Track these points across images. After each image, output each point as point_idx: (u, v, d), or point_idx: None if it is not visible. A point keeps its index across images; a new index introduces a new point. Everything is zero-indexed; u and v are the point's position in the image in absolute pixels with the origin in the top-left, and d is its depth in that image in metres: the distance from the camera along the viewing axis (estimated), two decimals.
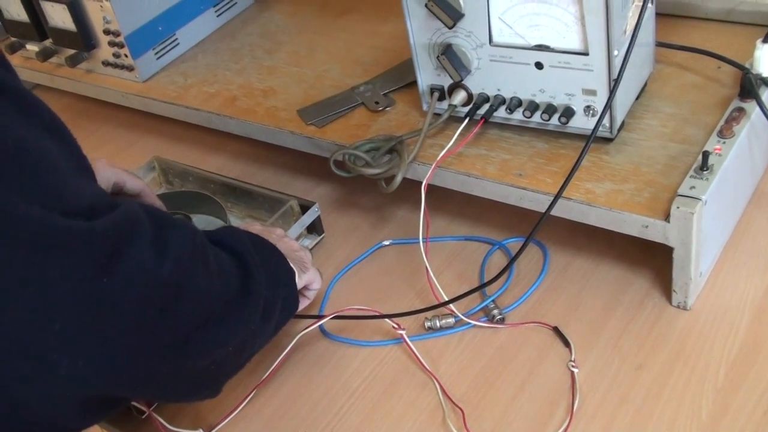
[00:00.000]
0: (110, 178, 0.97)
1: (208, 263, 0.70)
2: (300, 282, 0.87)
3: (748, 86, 0.89)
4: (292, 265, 0.85)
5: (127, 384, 0.66)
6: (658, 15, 1.09)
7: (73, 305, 0.59)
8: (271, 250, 0.83)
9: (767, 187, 0.99)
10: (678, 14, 1.10)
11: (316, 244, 1.06)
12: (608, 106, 0.86)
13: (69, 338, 0.59)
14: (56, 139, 0.64)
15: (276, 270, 0.83)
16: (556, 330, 0.89)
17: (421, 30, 0.96)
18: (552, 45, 0.90)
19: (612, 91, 0.86)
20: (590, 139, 0.85)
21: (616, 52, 0.86)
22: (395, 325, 0.90)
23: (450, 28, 0.92)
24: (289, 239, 0.93)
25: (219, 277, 0.71)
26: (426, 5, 0.91)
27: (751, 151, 0.92)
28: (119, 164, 1.12)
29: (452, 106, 0.98)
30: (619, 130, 0.94)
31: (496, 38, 0.92)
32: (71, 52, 1.29)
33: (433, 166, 0.94)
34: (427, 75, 0.99)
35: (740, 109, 0.90)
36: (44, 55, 1.31)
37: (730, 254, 0.93)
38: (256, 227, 0.91)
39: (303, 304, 0.93)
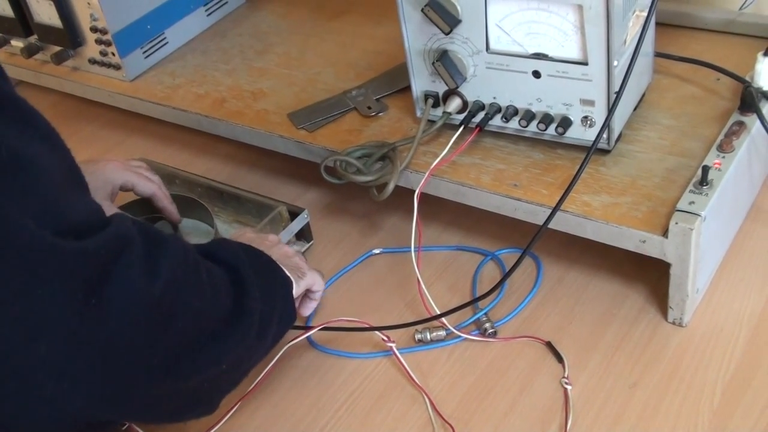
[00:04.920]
0: (116, 182, 0.94)
1: (201, 281, 0.68)
2: (298, 289, 0.84)
3: (748, 100, 0.88)
4: (288, 273, 0.83)
5: (116, 406, 0.64)
6: (657, 24, 1.07)
7: (59, 327, 0.57)
8: (266, 261, 0.80)
9: (765, 202, 0.97)
10: (677, 24, 1.09)
11: (305, 251, 1.04)
12: (609, 118, 0.85)
13: (54, 360, 0.57)
14: (51, 150, 0.62)
15: (272, 282, 0.80)
16: (549, 345, 0.87)
17: (416, 35, 0.94)
18: (550, 54, 0.88)
19: (613, 104, 0.84)
20: (590, 151, 0.83)
21: (615, 63, 0.84)
22: (385, 338, 0.88)
23: (447, 34, 0.90)
24: (283, 245, 0.90)
25: (212, 295, 0.69)
26: (422, 10, 0.89)
27: (750, 165, 0.90)
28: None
29: (447, 114, 0.96)
30: (617, 141, 0.92)
31: (493, 45, 0.90)
32: (57, 49, 1.26)
33: (426, 175, 0.92)
34: (421, 81, 0.97)
35: (740, 123, 0.88)
36: (29, 51, 1.28)
37: (727, 270, 0.91)
38: (248, 234, 0.89)
39: (310, 307, 0.92)
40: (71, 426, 0.63)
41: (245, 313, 0.71)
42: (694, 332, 0.85)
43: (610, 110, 0.84)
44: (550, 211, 0.85)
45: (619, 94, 0.83)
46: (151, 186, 0.98)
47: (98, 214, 0.63)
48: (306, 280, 0.87)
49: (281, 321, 0.79)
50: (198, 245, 0.75)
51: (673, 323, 0.86)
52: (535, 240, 0.83)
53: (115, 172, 0.95)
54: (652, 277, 0.91)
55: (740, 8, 1.05)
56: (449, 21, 0.89)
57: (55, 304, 0.56)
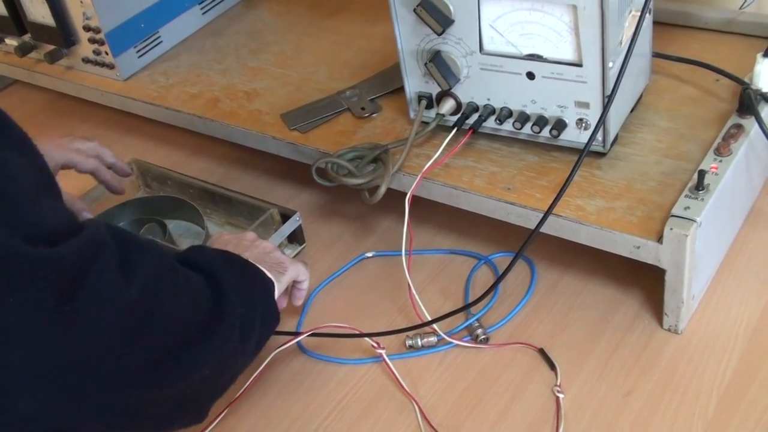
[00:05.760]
0: (57, 161, 0.93)
1: (178, 286, 0.67)
2: (281, 286, 0.83)
3: (747, 102, 0.86)
4: (269, 274, 0.81)
5: (97, 416, 0.63)
6: (656, 24, 1.05)
7: (31, 336, 0.56)
8: (243, 264, 0.79)
9: (764, 206, 0.95)
10: (676, 23, 1.07)
11: (297, 254, 1.03)
12: (602, 120, 0.83)
13: (26, 370, 0.56)
14: (23, 155, 0.61)
15: (251, 285, 0.79)
16: (541, 352, 0.85)
17: (409, 35, 0.92)
18: (544, 55, 0.86)
19: (606, 106, 0.82)
20: (582, 155, 0.81)
21: (611, 64, 0.83)
22: (374, 344, 0.86)
23: (439, 34, 0.88)
24: (261, 242, 0.88)
25: (190, 300, 0.68)
26: (414, 10, 0.87)
27: (749, 169, 0.89)
28: None
29: (440, 115, 0.94)
30: (612, 144, 0.90)
31: (486, 46, 0.89)
32: (51, 48, 1.25)
33: (418, 178, 0.91)
34: (414, 82, 0.96)
35: (738, 126, 0.86)
36: (23, 50, 1.27)
37: (724, 275, 0.89)
38: (224, 236, 0.87)
39: (300, 297, 0.90)
40: None
41: (225, 318, 0.70)
42: (690, 340, 0.84)
43: (603, 113, 0.82)
44: (543, 215, 0.84)
45: (611, 96, 0.81)
46: (91, 162, 0.98)
47: (71, 220, 0.62)
48: (288, 274, 0.85)
49: (264, 323, 0.77)
50: (177, 255, 0.73)
51: (669, 330, 0.85)
52: (526, 245, 0.82)
53: (55, 151, 0.94)
54: (647, 282, 0.89)
55: (740, 7, 1.03)
56: (442, 21, 0.87)
57: (27, 313, 0.55)
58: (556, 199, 0.81)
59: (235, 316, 0.71)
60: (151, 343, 0.63)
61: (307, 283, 0.89)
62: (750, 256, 0.90)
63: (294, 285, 0.89)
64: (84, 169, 0.99)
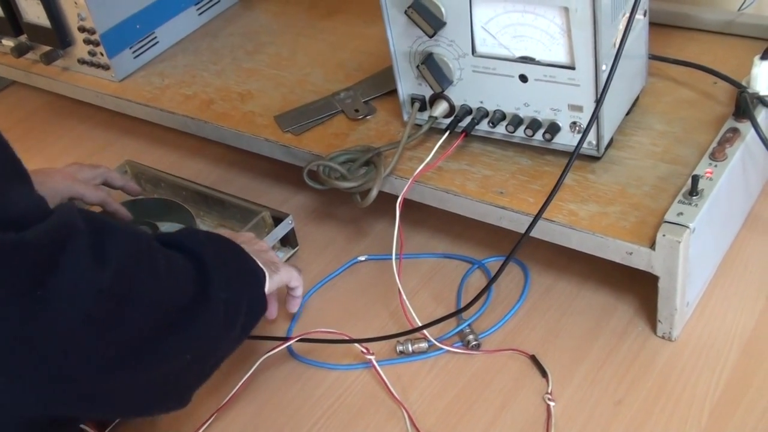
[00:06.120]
0: (64, 193, 0.93)
1: (157, 269, 0.66)
2: (272, 283, 0.82)
3: (743, 105, 0.85)
4: (261, 265, 0.80)
5: (74, 401, 0.62)
6: (654, 25, 1.04)
7: (3, 321, 0.55)
8: (234, 249, 0.78)
9: (762, 210, 0.94)
10: (675, 25, 1.06)
11: (290, 257, 1.02)
12: (591, 124, 0.82)
13: None
14: None
15: (239, 270, 0.78)
16: (533, 359, 0.84)
17: (401, 37, 0.91)
18: (537, 57, 0.85)
19: (595, 110, 0.81)
20: (571, 159, 0.80)
21: (604, 67, 0.81)
22: (364, 350, 0.85)
23: (430, 36, 0.87)
24: (258, 241, 0.87)
25: (171, 283, 0.67)
26: (405, 12, 0.86)
27: (746, 173, 0.87)
28: (100, 164, 1.09)
29: (432, 118, 0.93)
30: (607, 147, 0.89)
31: (479, 48, 0.88)
32: (46, 48, 1.24)
33: (409, 181, 0.90)
34: (407, 84, 0.95)
35: (734, 130, 0.85)
36: (19, 51, 1.27)
37: (720, 281, 0.88)
38: (222, 231, 0.86)
39: (295, 304, 0.89)
40: (30, 425, 0.61)
41: (209, 301, 0.69)
42: (684, 347, 0.82)
43: (592, 116, 0.81)
44: (532, 219, 0.83)
45: (600, 100, 0.80)
46: (99, 194, 0.98)
47: (40, 205, 0.61)
48: (281, 275, 0.84)
49: (250, 310, 0.76)
50: (161, 235, 0.72)
51: (663, 337, 0.83)
52: (515, 249, 0.81)
53: (62, 183, 0.94)
54: (642, 288, 0.88)
55: (740, 9, 1.02)
56: (433, 23, 0.86)
57: None
58: (545, 204, 0.79)
59: (219, 301, 0.70)
60: (129, 327, 0.62)
61: (300, 289, 0.88)
62: (747, 262, 0.89)
63: (288, 291, 0.88)
64: (91, 201, 0.99)
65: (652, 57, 0.96)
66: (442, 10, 0.86)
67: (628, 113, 0.93)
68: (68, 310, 0.57)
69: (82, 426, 0.81)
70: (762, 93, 0.87)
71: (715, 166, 0.82)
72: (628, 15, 0.84)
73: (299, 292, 0.89)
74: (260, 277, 0.80)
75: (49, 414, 0.62)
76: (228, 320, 0.72)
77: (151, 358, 0.64)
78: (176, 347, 0.66)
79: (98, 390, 0.63)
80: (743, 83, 0.90)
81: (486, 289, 0.84)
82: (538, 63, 0.85)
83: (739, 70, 0.94)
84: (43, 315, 0.56)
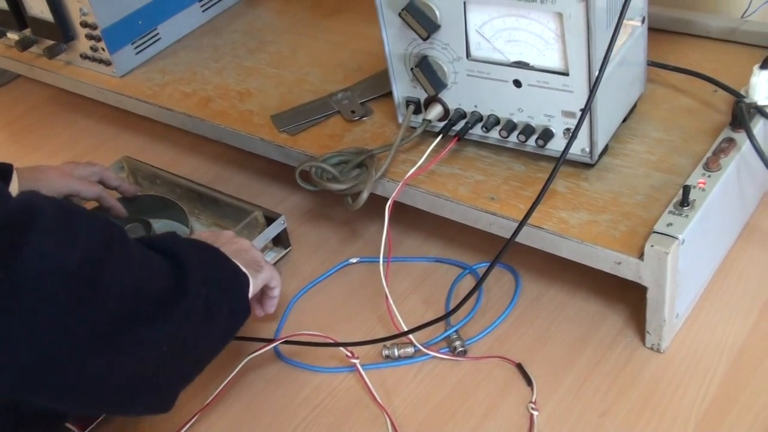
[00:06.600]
0: (61, 190, 0.93)
1: (131, 257, 0.65)
2: (256, 283, 0.81)
3: (739, 115, 0.83)
4: (244, 269, 0.80)
5: (46, 390, 0.61)
6: (657, 31, 1.03)
7: None
8: (214, 252, 0.78)
9: (759, 222, 0.92)
10: (677, 31, 1.04)
11: (282, 257, 1.01)
12: (577, 130, 0.80)
13: None
14: None
15: (221, 271, 0.77)
16: (519, 367, 0.83)
17: (396, 39, 0.90)
18: (531, 62, 0.84)
19: (581, 117, 0.80)
20: (557, 165, 0.79)
21: (598, 73, 0.80)
22: (349, 354, 0.85)
23: (424, 39, 0.86)
24: (239, 239, 0.86)
25: (146, 275, 0.66)
26: (399, 14, 0.86)
27: (741, 184, 0.86)
28: (97, 160, 1.09)
29: (426, 121, 0.93)
30: (602, 155, 0.88)
31: (473, 52, 0.87)
32: (50, 43, 1.25)
33: (400, 185, 0.89)
34: (403, 86, 0.94)
35: (730, 140, 0.84)
36: (23, 44, 1.27)
37: (713, 293, 0.87)
38: (202, 234, 0.86)
39: (273, 304, 0.88)
40: (17, 421, 0.61)
41: (187, 295, 0.68)
42: (672, 359, 0.81)
43: (578, 123, 0.80)
44: (527, 227, 0.82)
45: (587, 106, 0.79)
46: (95, 189, 0.99)
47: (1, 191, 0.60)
48: (264, 274, 0.83)
49: (233, 313, 0.76)
50: (139, 238, 0.72)
51: (651, 349, 0.82)
52: (500, 255, 0.80)
53: (58, 181, 0.95)
54: (634, 297, 0.86)
55: (743, 16, 1.00)
56: (427, 26, 0.86)
57: None
58: (530, 210, 0.79)
59: (198, 296, 0.69)
60: (100, 314, 0.61)
61: (278, 290, 0.87)
62: (740, 275, 0.87)
63: (265, 292, 0.87)
64: (88, 196, 0.99)
65: (652, 63, 0.95)
66: (437, 13, 0.85)
67: (625, 120, 0.92)
68: (34, 292, 0.57)
69: (67, 425, 0.81)
70: (760, 103, 0.85)
71: (709, 176, 0.81)
72: (625, 22, 0.83)
73: (277, 292, 0.88)
74: (242, 280, 0.79)
75: (22, 400, 0.61)
76: (208, 317, 0.71)
77: (124, 345, 0.63)
78: (152, 337, 0.65)
79: (73, 377, 0.62)
80: (742, 92, 0.88)
81: (471, 293, 0.83)
82: (532, 68, 0.84)
83: (741, 78, 0.93)
84: (7, 298, 0.56)
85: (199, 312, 0.70)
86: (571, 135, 0.79)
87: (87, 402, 0.68)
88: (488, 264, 0.94)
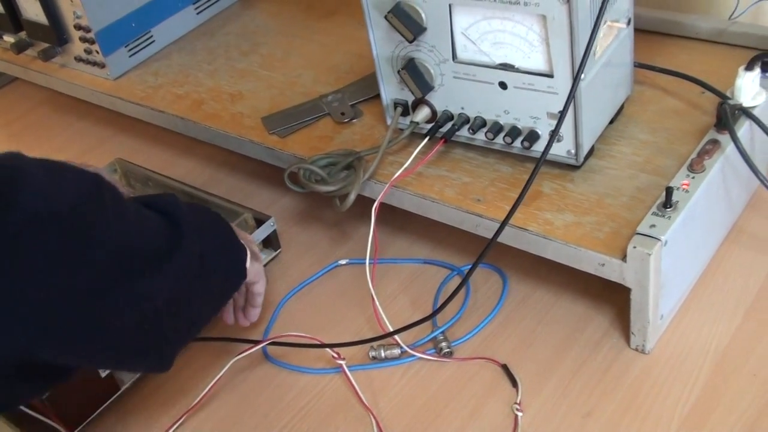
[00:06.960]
0: None
1: (123, 210, 0.65)
2: (252, 266, 0.81)
3: (723, 116, 0.83)
4: (242, 241, 0.80)
5: (43, 341, 0.61)
6: (645, 32, 1.03)
7: None
8: (213, 215, 0.78)
9: (746, 223, 0.92)
10: (666, 32, 1.04)
11: (272, 259, 1.02)
12: (556, 132, 0.81)
13: None
14: None
15: (217, 234, 0.77)
16: (504, 368, 0.83)
17: (383, 42, 0.91)
18: (516, 64, 0.84)
19: (560, 119, 0.80)
20: (537, 166, 0.80)
21: (583, 75, 0.81)
22: (335, 355, 0.85)
23: (410, 42, 0.87)
24: (240, 231, 0.87)
25: (140, 229, 0.66)
26: (385, 17, 0.86)
27: (726, 186, 0.86)
28: (92, 161, 1.10)
29: (414, 123, 0.93)
30: (588, 157, 0.88)
31: (460, 54, 0.87)
32: (45, 45, 1.26)
33: (386, 186, 0.89)
34: (390, 89, 0.94)
35: (715, 142, 0.84)
36: (18, 47, 1.28)
37: (699, 294, 0.87)
38: None
39: (255, 314, 0.89)
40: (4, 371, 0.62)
41: (181, 250, 0.68)
42: (657, 360, 0.81)
43: (557, 125, 0.80)
44: (512, 228, 0.82)
45: (565, 107, 0.79)
46: None
47: None
48: (258, 268, 0.83)
49: (230, 274, 0.76)
50: (138, 197, 0.73)
51: (636, 350, 0.83)
52: (483, 255, 0.80)
53: None
54: (619, 299, 0.87)
55: (730, 17, 1.00)
56: (413, 29, 0.86)
57: None
58: (511, 210, 0.79)
59: (193, 253, 0.70)
60: (94, 264, 0.61)
61: (262, 298, 0.87)
62: (726, 276, 0.88)
63: (248, 299, 0.88)
64: None
65: (639, 65, 0.95)
66: (423, 15, 0.86)
67: (612, 122, 0.92)
68: (26, 240, 0.58)
69: (52, 425, 0.81)
70: (746, 104, 0.86)
71: (693, 177, 0.81)
72: (610, 24, 0.84)
73: (260, 301, 0.88)
74: (240, 247, 0.79)
75: (29, 355, 0.61)
76: (203, 271, 0.71)
77: (117, 298, 0.63)
78: (146, 290, 0.65)
79: (73, 329, 0.62)
80: (728, 94, 0.88)
81: (455, 292, 0.83)
82: (518, 70, 0.84)
83: (729, 79, 0.92)
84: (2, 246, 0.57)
85: (193, 270, 0.70)
86: (551, 136, 0.80)
87: (86, 357, 0.67)
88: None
